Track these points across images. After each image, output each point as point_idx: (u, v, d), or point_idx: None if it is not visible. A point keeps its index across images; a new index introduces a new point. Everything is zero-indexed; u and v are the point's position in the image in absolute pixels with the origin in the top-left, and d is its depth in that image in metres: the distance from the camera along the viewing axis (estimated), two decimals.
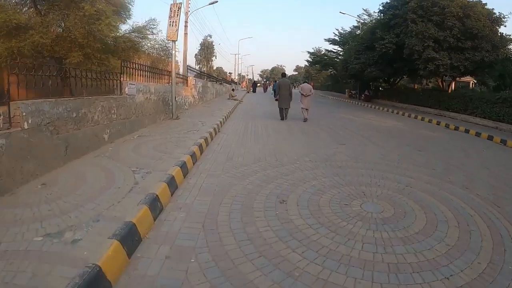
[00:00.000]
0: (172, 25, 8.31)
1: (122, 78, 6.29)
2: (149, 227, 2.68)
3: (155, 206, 2.90)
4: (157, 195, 3.00)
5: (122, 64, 6.40)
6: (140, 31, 14.43)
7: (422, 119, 13.13)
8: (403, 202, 3.51)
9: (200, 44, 56.95)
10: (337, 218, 2.99)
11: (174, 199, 3.32)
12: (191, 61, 50.84)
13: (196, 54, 57.60)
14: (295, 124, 9.77)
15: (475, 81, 27.48)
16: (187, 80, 12.66)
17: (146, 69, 7.84)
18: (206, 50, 56.40)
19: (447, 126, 11.23)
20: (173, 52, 8.73)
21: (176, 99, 9.42)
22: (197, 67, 41.69)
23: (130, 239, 2.39)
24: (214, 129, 7.49)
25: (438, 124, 11.77)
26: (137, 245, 2.43)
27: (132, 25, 14.61)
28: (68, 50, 11.35)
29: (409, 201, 3.55)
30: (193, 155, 4.73)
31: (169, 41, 8.87)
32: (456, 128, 10.68)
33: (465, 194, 3.94)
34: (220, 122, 8.80)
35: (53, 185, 3.38)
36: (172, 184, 3.48)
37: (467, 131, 10.10)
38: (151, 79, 8.29)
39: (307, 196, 3.52)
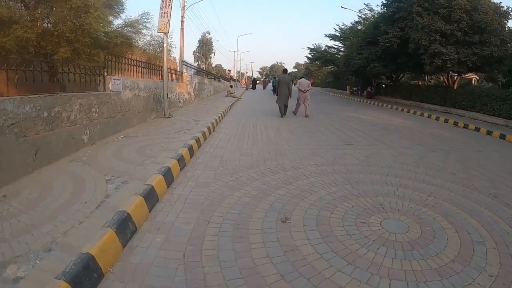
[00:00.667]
0: (164, 16, 7.70)
1: (105, 73, 5.69)
2: (114, 258, 2.10)
3: (125, 228, 2.31)
4: (128, 214, 2.40)
5: (106, 58, 5.79)
6: (133, 25, 13.81)
7: (429, 116, 12.54)
8: (429, 217, 2.92)
9: (198, 41, 56.23)
10: (354, 242, 2.40)
11: (152, 216, 2.72)
12: (190, 58, 50.15)
13: (194, 51, 56.94)
14: (296, 122, 9.20)
15: (478, 78, 27.00)
16: (182, 76, 12.03)
17: (134, 63, 7.20)
18: (205, 47, 55.65)
19: (455, 124, 10.66)
20: (165, 45, 8.11)
21: (169, 96, 8.83)
22: (195, 64, 40.97)
23: (86, 277, 1.82)
24: (208, 128, 6.89)
25: (446, 122, 11.20)
26: (96, 285, 1.87)
27: (125, 19, 14.04)
28: (56, 45, 10.73)
29: (436, 215, 2.97)
30: (180, 159, 4.12)
31: (160, 33, 8.23)
32: (466, 126, 10.12)
33: (494, 204, 3.40)
34: (216, 121, 8.20)
35: (14, 198, 2.86)
36: (151, 197, 2.88)
37: (477, 129, 9.54)
38: (142, 74, 7.68)
39: (314, 211, 2.91)
